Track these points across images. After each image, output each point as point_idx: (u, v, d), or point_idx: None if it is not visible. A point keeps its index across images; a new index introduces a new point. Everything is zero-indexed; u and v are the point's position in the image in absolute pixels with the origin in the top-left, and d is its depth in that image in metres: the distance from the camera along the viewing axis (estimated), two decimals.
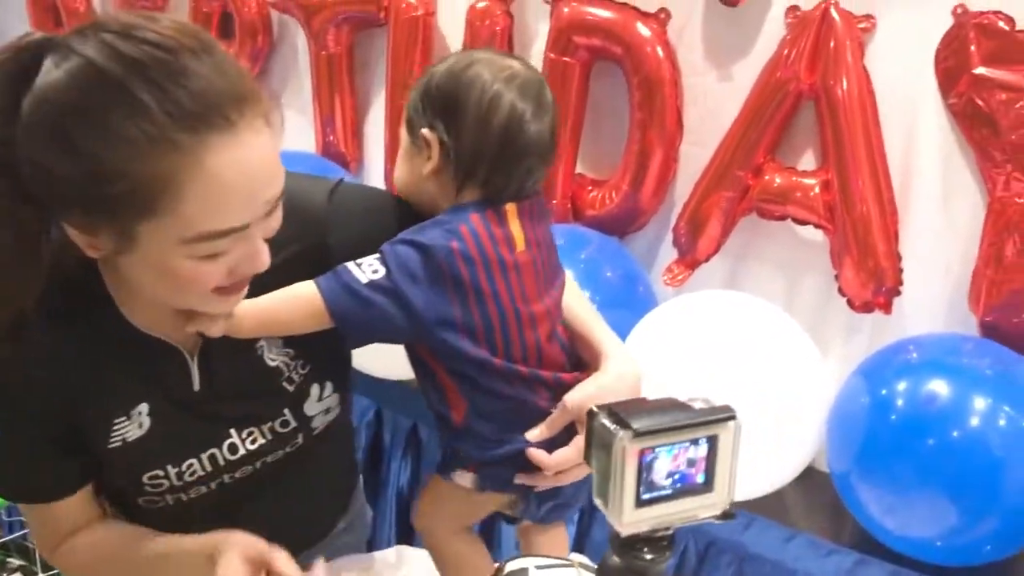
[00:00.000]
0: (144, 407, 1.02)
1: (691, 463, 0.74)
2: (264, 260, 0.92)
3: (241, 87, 0.85)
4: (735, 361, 1.64)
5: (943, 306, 1.69)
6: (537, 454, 1.06)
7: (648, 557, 0.75)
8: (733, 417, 0.74)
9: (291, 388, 1.09)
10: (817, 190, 1.69)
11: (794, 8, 1.68)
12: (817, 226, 1.71)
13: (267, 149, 0.87)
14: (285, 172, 0.92)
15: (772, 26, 1.72)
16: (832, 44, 1.62)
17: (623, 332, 1.76)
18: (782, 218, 1.74)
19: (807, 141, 1.74)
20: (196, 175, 0.82)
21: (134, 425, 1.02)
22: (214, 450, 1.07)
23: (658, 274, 1.93)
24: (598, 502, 0.75)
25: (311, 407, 1.11)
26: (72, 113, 0.81)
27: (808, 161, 1.75)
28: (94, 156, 0.81)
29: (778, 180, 1.73)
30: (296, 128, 2.42)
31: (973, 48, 1.52)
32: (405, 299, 1.01)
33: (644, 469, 0.72)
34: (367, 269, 1.02)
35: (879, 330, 1.74)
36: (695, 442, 0.73)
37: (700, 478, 0.74)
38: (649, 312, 1.77)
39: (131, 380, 1.01)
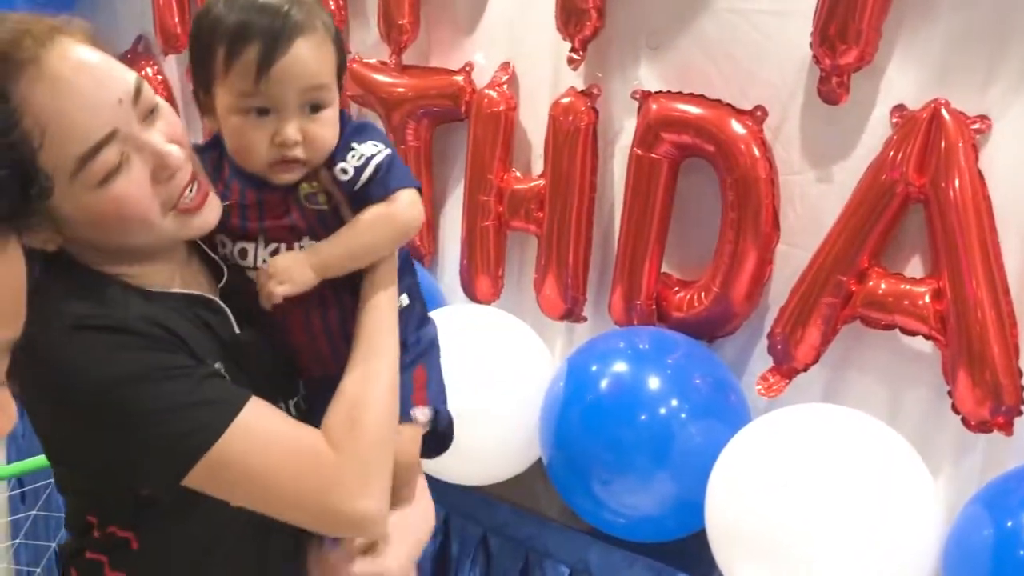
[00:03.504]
0: (219, 366, 1.06)
1: None
2: (175, 156, 1.00)
3: (43, 28, 0.94)
4: (840, 482, 1.51)
5: None
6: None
7: None
8: None
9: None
10: (928, 299, 1.57)
11: (900, 107, 1.59)
12: (928, 337, 1.59)
13: (87, 58, 0.96)
14: None
15: (876, 125, 1.64)
16: (943, 145, 1.53)
17: (715, 444, 1.65)
18: (889, 327, 1.62)
19: (915, 246, 1.63)
20: (28, 115, 0.89)
21: None
22: None
23: (749, 382, 1.81)
24: None
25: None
26: None
27: (915, 268, 1.64)
28: None
29: (884, 287, 1.62)
30: None
31: None
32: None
33: None
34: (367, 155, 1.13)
35: (994, 451, 1.60)
36: None
37: None
38: (743, 424, 1.65)
39: (193, 339, 1.05)
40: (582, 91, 1.96)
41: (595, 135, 1.95)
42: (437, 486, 2.09)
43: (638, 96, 1.86)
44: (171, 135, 1.02)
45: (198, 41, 1.09)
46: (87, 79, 0.95)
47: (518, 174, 2.10)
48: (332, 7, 2.34)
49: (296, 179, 1.13)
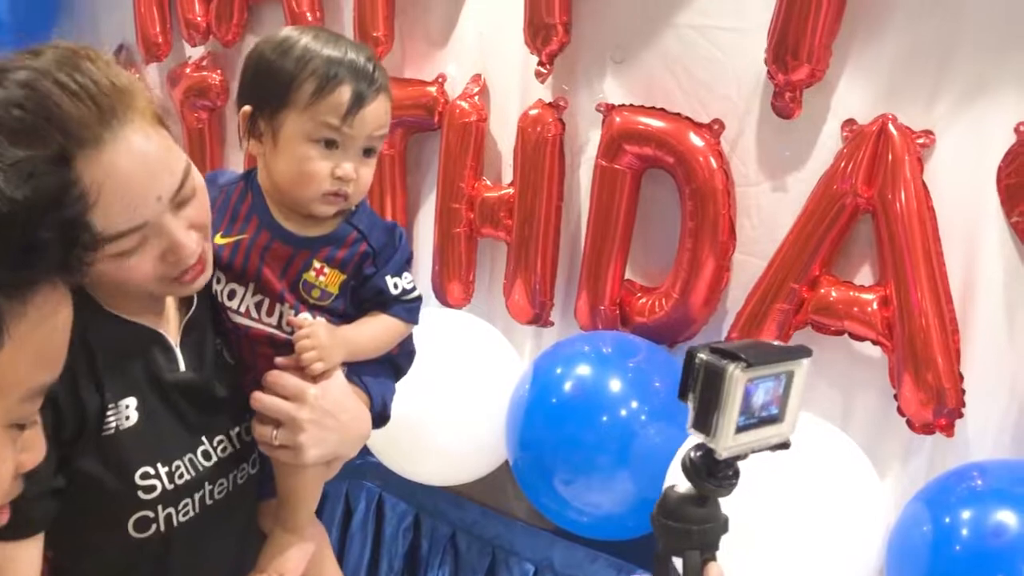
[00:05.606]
0: (132, 401, 1.07)
1: (773, 395, 0.88)
2: (188, 252, 1.01)
3: (110, 102, 0.92)
4: (790, 480, 1.57)
5: (1008, 429, 1.62)
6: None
7: (731, 481, 0.92)
8: (810, 354, 0.89)
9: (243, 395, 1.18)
10: (875, 306, 1.64)
11: (850, 122, 1.66)
12: (875, 343, 1.66)
13: (145, 149, 0.95)
14: None
15: (827, 139, 1.71)
16: (890, 158, 1.60)
17: (671, 447, 1.71)
18: (838, 333, 1.69)
19: (864, 255, 1.71)
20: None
21: (122, 416, 1.06)
22: (192, 455, 1.12)
23: None
24: (695, 432, 0.88)
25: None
26: None
27: (865, 276, 1.71)
28: None
29: (834, 294, 1.69)
30: None
31: None
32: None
33: (746, 399, 0.85)
34: (411, 285, 1.25)
35: (940, 452, 1.67)
36: (778, 377, 0.87)
37: (775, 410, 0.89)
38: None
39: (121, 368, 1.06)
40: (549, 103, 2.02)
41: (562, 146, 2.01)
42: (408, 486, 2.15)
43: (602, 109, 1.93)
44: (195, 220, 1.03)
45: (277, 69, 1.14)
46: (139, 174, 0.95)
47: (488, 183, 2.17)
48: (308, 19, 2.40)
49: (333, 213, 1.19)
